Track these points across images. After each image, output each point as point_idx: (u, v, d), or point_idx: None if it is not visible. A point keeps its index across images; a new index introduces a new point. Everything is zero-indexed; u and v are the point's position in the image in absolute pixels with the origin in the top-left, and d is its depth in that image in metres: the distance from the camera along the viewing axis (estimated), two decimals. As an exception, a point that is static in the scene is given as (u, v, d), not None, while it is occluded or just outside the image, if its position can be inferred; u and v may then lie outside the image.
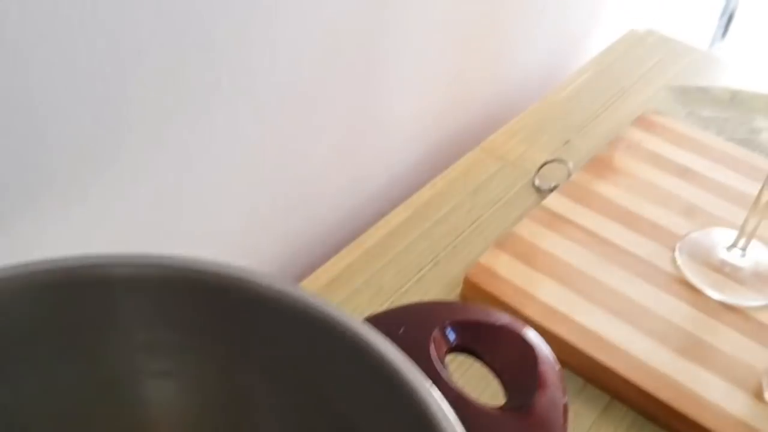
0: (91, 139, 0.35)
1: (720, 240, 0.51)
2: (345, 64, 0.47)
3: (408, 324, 0.31)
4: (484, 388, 0.43)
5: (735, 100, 0.68)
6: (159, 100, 0.37)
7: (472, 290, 0.47)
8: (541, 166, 0.58)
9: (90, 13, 0.31)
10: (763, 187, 0.46)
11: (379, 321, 0.30)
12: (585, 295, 0.47)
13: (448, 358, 0.31)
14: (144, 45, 0.34)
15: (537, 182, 0.57)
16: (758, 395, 0.42)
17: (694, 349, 0.44)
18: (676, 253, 0.50)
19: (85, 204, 0.36)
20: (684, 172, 0.57)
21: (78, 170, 0.35)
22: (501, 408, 0.29)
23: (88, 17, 0.31)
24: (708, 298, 0.47)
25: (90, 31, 0.32)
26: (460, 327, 0.31)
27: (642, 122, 0.62)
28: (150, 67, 0.35)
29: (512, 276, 0.47)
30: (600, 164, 0.57)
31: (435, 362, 0.30)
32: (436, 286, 0.49)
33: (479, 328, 0.31)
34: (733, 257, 0.49)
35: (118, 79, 0.34)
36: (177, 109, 0.38)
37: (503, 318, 0.31)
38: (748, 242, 0.49)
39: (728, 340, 0.45)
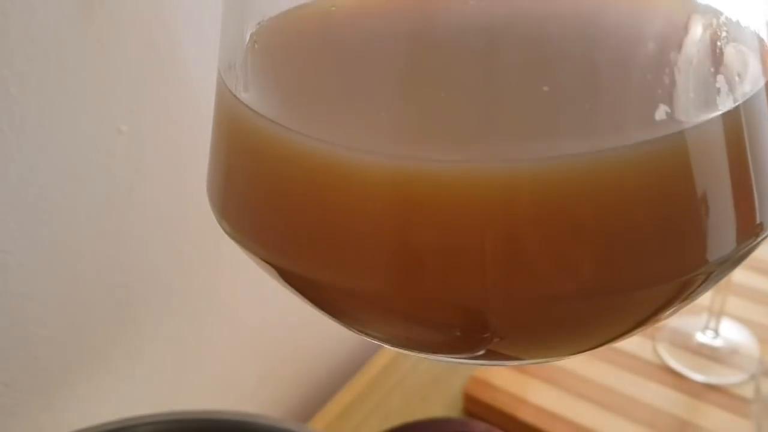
0: (114, 320, 0.40)
1: (695, 324, 0.55)
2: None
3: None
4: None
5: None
6: (169, 279, 0.42)
7: (472, 403, 0.51)
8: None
9: (98, 220, 0.38)
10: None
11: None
12: (575, 393, 0.50)
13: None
14: (151, 227, 0.40)
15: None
16: (746, 468, 0.45)
17: (682, 432, 0.48)
18: (657, 343, 0.54)
19: (113, 374, 0.42)
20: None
21: (105, 347, 0.40)
22: None
23: (97, 224, 0.38)
24: (691, 381, 0.51)
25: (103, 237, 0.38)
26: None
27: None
28: (159, 250, 0.41)
29: (506, 384, 0.51)
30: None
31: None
32: (439, 403, 0.53)
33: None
34: (708, 338, 0.53)
35: (135, 267, 0.40)
36: (185, 280, 0.44)
37: (481, 427, 0.36)
38: (718, 322, 0.53)
39: (714, 419, 0.48)
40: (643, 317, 0.18)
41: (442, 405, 0.53)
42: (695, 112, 0.16)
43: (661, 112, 0.16)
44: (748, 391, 0.50)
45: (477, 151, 0.16)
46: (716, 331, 0.53)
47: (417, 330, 0.19)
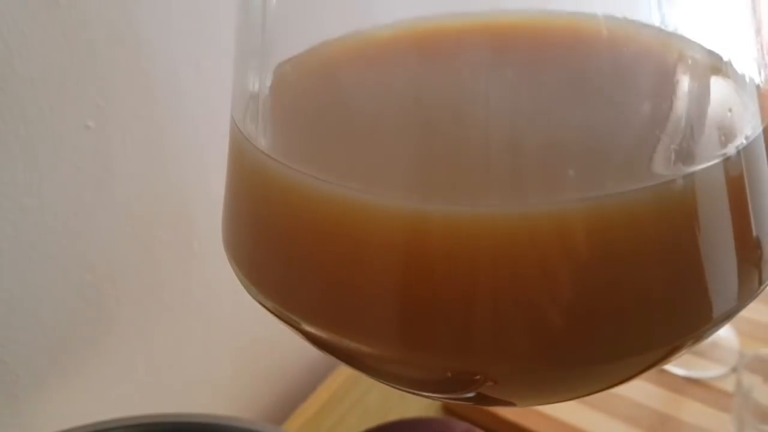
0: (84, 321, 0.39)
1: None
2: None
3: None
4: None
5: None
6: (140, 278, 0.41)
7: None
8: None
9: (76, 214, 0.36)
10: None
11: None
12: (556, 390, 0.50)
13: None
14: (122, 226, 0.39)
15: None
16: (727, 462, 0.45)
17: (663, 427, 0.47)
18: (637, 337, 0.53)
19: (83, 376, 0.40)
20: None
21: (75, 349, 0.39)
22: None
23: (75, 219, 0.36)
24: (673, 375, 0.51)
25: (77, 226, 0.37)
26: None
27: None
28: (130, 248, 0.40)
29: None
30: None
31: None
32: (418, 402, 0.52)
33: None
34: (689, 333, 0.53)
35: (105, 266, 0.39)
36: (157, 279, 0.43)
37: (461, 426, 0.35)
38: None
39: (695, 413, 0.48)
40: (646, 368, 0.18)
41: (421, 403, 0.52)
42: (694, 160, 0.16)
43: (661, 161, 0.16)
44: (729, 385, 0.50)
45: (483, 202, 0.16)
46: (696, 325, 0.53)
47: (416, 378, 0.19)
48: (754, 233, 0.17)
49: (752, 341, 0.53)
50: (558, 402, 0.21)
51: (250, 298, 0.51)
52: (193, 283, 0.45)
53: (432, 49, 0.19)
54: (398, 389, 0.20)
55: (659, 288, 0.16)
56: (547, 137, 0.17)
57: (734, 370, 0.50)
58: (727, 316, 0.17)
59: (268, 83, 0.20)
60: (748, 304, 0.17)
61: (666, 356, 0.17)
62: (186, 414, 0.35)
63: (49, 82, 0.34)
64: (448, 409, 0.51)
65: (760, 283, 0.18)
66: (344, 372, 0.54)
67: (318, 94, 0.20)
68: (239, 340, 0.51)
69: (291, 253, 0.19)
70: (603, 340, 0.16)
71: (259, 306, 0.52)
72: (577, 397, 0.20)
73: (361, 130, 0.19)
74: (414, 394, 0.20)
